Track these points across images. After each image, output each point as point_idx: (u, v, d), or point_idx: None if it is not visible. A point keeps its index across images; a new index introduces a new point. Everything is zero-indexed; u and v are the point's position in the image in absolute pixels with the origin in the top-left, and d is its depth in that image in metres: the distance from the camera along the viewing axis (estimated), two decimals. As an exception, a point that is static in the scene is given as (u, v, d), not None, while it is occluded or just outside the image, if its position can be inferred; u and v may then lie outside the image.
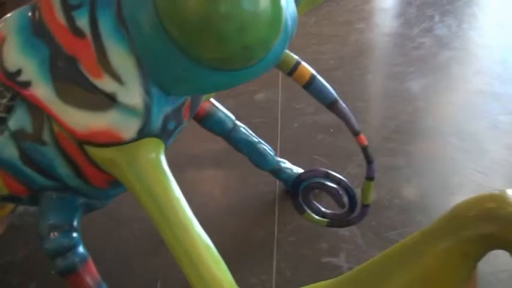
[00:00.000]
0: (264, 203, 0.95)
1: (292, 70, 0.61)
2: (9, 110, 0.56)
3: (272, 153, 0.90)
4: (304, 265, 0.80)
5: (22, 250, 0.88)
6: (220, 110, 0.83)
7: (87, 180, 0.58)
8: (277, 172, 0.92)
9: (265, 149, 0.89)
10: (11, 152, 0.58)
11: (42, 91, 0.53)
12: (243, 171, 1.03)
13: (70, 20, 0.52)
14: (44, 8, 0.55)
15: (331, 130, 1.16)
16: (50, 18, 0.54)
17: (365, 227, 0.84)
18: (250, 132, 0.88)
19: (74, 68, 0.51)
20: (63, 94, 0.52)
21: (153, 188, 0.52)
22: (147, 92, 0.51)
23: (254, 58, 0.47)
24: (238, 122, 0.87)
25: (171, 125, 0.56)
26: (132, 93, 0.51)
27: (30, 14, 0.56)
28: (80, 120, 0.52)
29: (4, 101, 0.56)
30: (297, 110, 1.26)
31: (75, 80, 0.51)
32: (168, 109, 0.55)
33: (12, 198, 0.64)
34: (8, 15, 0.59)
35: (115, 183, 0.60)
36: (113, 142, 0.53)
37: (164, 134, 0.55)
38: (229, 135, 0.85)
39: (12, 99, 0.56)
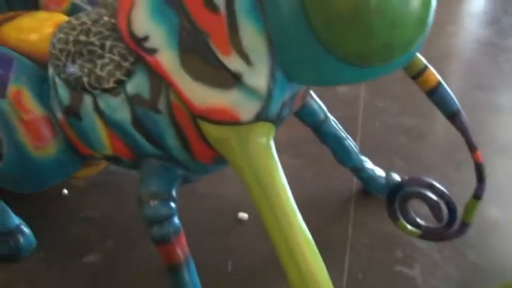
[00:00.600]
0: (339, 200, 0.94)
1: (418, 74, 0.58)
2: (129, 73, 0.57)
3: (357, 151, 0.88)
4: (376, 270, 0.78)
5: (102, 207, 0.91)
6: (315, 101, 0.82)
7: (193, 154, 0.59)
8: (359, 171, 0.90)
9: (351, 146, 0.87)
10: (124, 115, 0.59)
11: (167, 60, 0.53)
12: (320, 163, 1.01)
13: (206, -6, 0.52)
14: (179, -23, 0.55)
15: (414, 134, 1.13)
16: (184, -11, 0.53)
17: (443, 242, 0.81)
18: (339, 126, 0.86)
19: (203, 42, 0.51)
20: (187, 66, 0.52)
21: (261, 172, 0.52)
22: (272, 76, 0.51)
23: (393, 57, 0.46)
24: (329, 115, 0.85)
25: (285, 112, 0.56)
26: (258, 76, 0.50)
27: None
28: (200, 94, 0.52)
29: (126, 64, 0.57)
30: (380, 108, 1.23)
31: (203, 53, 0.51)
32: (286, 95, 0.54)
33: (114, 159, 0.65)
34: (138, -21, 0.60)
35: (219, 161, 0.60)
36: (229, 121, 0.53)
37: (277, 120, 0.55)
38: (319, 127, 0.83)
39: (134, 63, 0.57)
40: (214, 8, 0.51)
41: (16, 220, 0.79)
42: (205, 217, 0.89)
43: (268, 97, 0.51)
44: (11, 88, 0.63)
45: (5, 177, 0.67)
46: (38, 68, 0.66)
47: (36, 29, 0.70)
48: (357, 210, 0.90)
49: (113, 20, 0.60)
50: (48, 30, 0.69)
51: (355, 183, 0.96)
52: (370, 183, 0.90)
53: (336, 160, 0.88)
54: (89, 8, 0.81)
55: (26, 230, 0.80)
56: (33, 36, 0.69)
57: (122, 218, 0.89)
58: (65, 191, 0.94)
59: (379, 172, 0.92)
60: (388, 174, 0.91)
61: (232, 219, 0.88)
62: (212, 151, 0.58)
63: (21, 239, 0.78)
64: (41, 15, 0.74)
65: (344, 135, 0.86)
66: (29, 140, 0.64)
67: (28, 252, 0.80)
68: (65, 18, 0.73)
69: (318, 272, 0.50)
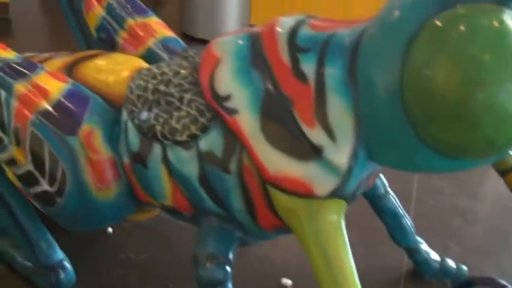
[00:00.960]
0: (389, 278, 0.89)
1: (507, 171, 0.55)
2: (204, 129, 0.57)
3: (413, 231, 0.84)
4: None
5: (145, 251, 0.90)
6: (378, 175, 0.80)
7: (256, 219, 0.57)
8: (413, 252, 0.85)
9: (408, 225, 0.83)
10: (192, 169, 0.58)
11: (247, 122, 0.52)
12: (372, 238, 0.97)
13: (294, 60, 0.51)
14: (267, 41, 0.55)
15: (469, 217, 1.08)
16: (272, 53, 0.53)
17: None
18: (398, 203, 0.83)
19: (286, 109, 0.50)
20: (267, 131, 0.51)
21: (329, 251, 0.50)
22: (355, 155, 0.49)
23: (493, 153, 0.43)
24: (389, 189, 0.82)
25: (359, 191, 0.54)
26: (341, 152, 0.49)
27: (250, 43, 0.56)
28: (276, 161, 0.51)
29: (203, 119, 0.57)
30: (435, 187, 1.19)
31: (285, 121, 0.50)
32: (364, 175, 0.52)
33: (173, 211, 0.64)
34: (224, 38, 0.60)
35: (281, 229, 0.58)
36: (302, 193, 0.51)
37: (351, 198, 0.53)
38: (378, 202, 0.80)
39: (210, 119, 0.56)
40: (302, 78, 0.50)
41: (60, 254, 0.78)
42: (247, 277, 0.86)
43: (347, 175, 0.49)
44: (84, 127, 0.64)
45: (61, 213, 0.66)
46: (112, 109, 0.67)
47: (114, 71, 0.71)
48: (406, 292, 0.86)
49: (195, 75, 0.60)
50: (125, 73, 0.71)
51: (405, 262, 0.92)
52: (424, 267, 0.86)
53: (390, 237, 0.85)
54: (164, 54, 0.83)
55: (68, 265, 0.79)
56: (110, 78, 0.70)
57: (163, 265, 0.87)
58: (110, 230, 0.93)
59: (434, 256, 0.87)
60: (443, 260, 0.87)
61: (275, 284, 0.84)
62: (276, 219, 0.56)
63: (62, 275, 0.77)
64: (118, 57, 0.76)
65: (402, 213, 0.83)
66: (93, 180, 0.64)
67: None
68: (142, 62, 0.75)
69: None
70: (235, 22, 1.87)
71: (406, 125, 0.44)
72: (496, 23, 0.39)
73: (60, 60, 0.77)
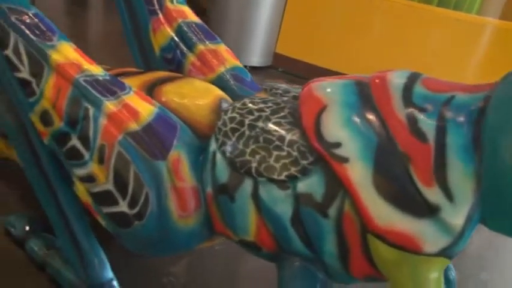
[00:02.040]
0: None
1: None
2: (305, 172, 0.57)
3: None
4: None
5: (195, 271, 0.89)
6: None
7: (347, 266, 0.57)
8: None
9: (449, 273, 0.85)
10: (285, 209, 0.58)
11: (358, 172, 0.53)
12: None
13: (411, 118, 0.53)
14: (379, 94, 0.56)
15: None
16: (386, 108, 0.55)
17: None
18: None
19: (402, 165, 0.51)
20: (379, 183, 0.52)
21: None
22: (470, 218, 0.50)
23: None
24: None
25: (459, 251, 0.55)
26: (458, 214, 0.50)
27: (358, 92, 0.58)
28: (386, 215, 0.52)
29: (304, 162, 0.57)
30: None
31: (400, 176, 0.51)
32: (468, 236, 0.53)
33: (252, 246, 0.64)
34: (327, 82, 0.61)
35: (370, 278, 0.58)
36: (408, 248, 0.52)
37: (452, 257, 0.54)
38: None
39: (312, 163, 0.57)
40: (420, 136, 0.52)
41: (110, 274, 0.77)
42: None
43: (460, 236, 0.51)
44: (173, 153, 0.63)
45: (134, 235, 0.65)
46: (196, 138, 0.67)
47: (196, 98, 0.72)
48: None
49: (295, 115, 0.61)
50: (207, 101, 0.71)
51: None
52: None
53: None
54: (232, 83, 0.83)
55: (116, 286, 0.77)
56: (193, 105, 0.70)
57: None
58: (149, 251, 0.92)
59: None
60: None
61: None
62: (370, 268, 0.56)
63: (109, 296, 0.76)
64: (196, 83, 0.76)
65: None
66: (175, 208, 0.63)
67: (111, 310, 0.77)
68: (220, 91, 0.75)
69: None
70: (262, 51, 1.89)
71: None
72: None
73: (136, 79, 0.76)
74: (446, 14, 2.13)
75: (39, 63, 0.65)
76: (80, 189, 0.67)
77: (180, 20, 0.89)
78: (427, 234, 0.51)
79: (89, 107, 0.64)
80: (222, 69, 0.85)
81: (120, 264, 0.86)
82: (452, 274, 0.72)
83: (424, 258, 0.52)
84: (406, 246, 0.52)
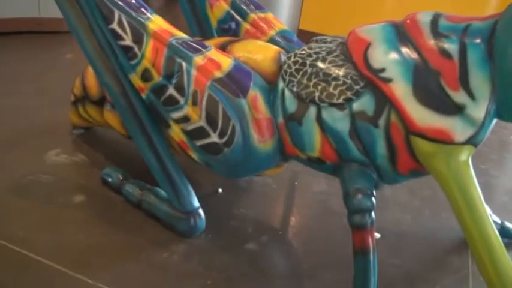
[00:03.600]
0: (456, 236, 1.07)
1: None
2: (358, 94, 0.75)
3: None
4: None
5: (259, 205, 1.06)
6: None
7: (395, 164, 0.75)
8: None
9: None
10: (344, 125, 0.76)
11: (401, 88, 0.70)
12: (437, 205, 1.15)
13: (439, 43, 0.70)
14: (412, 30, 0.73)
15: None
16: (419, 38, 0.71)
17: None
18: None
19: (434, 78, 0.69)
20: (418, 94, 0.69)
21: (464, 183, 0.68)
22: (488, 111, 0.67)
23: None
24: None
25: (483, 139, 0.72)
26: (479, 109, 0.67)
27: (394, 30, 0.75)
28: (425, 116, 0.69)
29: (357, 87, 0.75)
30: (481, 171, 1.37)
31: (433, 87, 0.68)
32: (490, 127, 0.70)
33: (317, 161, 0.81)
34: (369, 26, 0.79)
35: (413, 174, 0.75)
36: (444, 140, 0.69)
37: (478, 144, 0.71)
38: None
39: (363, 87, 0.74)
40: (447, 55, 0.69)
41: (197, 202, 0.94)
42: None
43: (481, 126, 0.68)
44: (251, 92, 0.81)
45: (224, 160, 0.83)
46: (264, 82, 0.85)
47: (260, 52, 0.89)
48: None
49: (346, 54, 0.78)
50: (269, 54, 0.88)
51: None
52: None
53: None
54: (283, 43, 1.01)
55: (202, 213, 0.95)
56: (259, 57, 0.88)
57: (273, 220, 1.05)
58: (220, 190, 1.10)
59: (494, 218, 1.05)
60: (502, 222, 1.05)
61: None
62: (413, 163, 0.73)
63: (198, 220, 0.93)
64: (259, 42, 0.94)
65: None
66: (256, 134, 0.81)
67: (200, 232, 0.95)
68: (278, 47, 0.92)
69: (508, 262, 0.64)
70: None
71: None
72: None
73: (210, 41, 0.94)
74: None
75: (139, 32, 0.83)
76: (176, 130, 0.85)
77: (233, -5, 1.07)
78: (456, 128, 0.68)
79: (182, 62, 0.82)
80: (272, 32, 1.02)
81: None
82: None
83: (455, 146, 0.69)
84: (441, 139, 0.69)
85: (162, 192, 0.96)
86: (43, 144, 1.19)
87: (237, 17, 1.05)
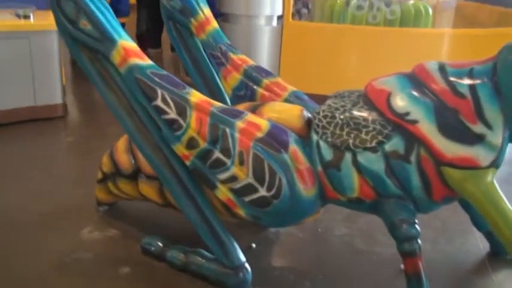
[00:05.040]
0: (474, 258, 1.17)
1: None
2: (388, 137, 0.86)
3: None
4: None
5: (292, 254, 1.13)
6: None
7: (430, 193, 0.85)
8: (491, 235, 1.14)
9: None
10: (379, 165, 0.86)
11: (427, 127, 0.82)
12: (450, 233, 1.26)
13: (451, 86, 0.83)
14: (424, 77, 0.86)
15: None
16: (432, 83, 0.85)
17: None
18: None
19: (454, 115, 0.81)
20: (442, 130, 0.81)
21: (494, 199, 0.80)
22: (504, 138, 0.80)
23: None
24: None
25: (502, 161, 0.84)
26: (496, 136, 0.80)
27: (408, 79, 0.88)
28: (452, 148, 0.81)
29: (386, 131, 0.86)
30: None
31: (455, 122, 0.81)
32: (506, 150, 0.83)
33: (357, 201, 0.91)
34: (384, 79, 0.92)
35: (446, 199, 0.86)
36: (471, 167, 0.80)
37: (499, 166, 0.83)
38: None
39: (392, 130, 0.86)
40: (460, 95, 0.82)
41: (243, 257, 1.01)
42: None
43: (500, 150, 0.80)
44: (291, 147, 0.91)
45: (273, 211, 0.91)
46: (296, 135, 0.95)
47: (287, 111, 1.00)
48: (493, 267, 1.13)
49: (368, 104, 0.90)
50: (296, 112, 0.99)
51: (482, 247, 1.20)
52: (499, 246, 1.14)
53: (473, 224, 1.14)
54: (297, 101, 1.13)
55: (248, 266, 1.01)
56: (287, 115, 0.99)
57: (309, 265, 1.12)
58: (253, 245, 1.17)
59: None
60: None
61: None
62: (446, 190, 0.84)
63: (246, 274, 0.99)
64: (282, 104, 1.05)
65: None
66: (301, 183, 0.90)
67: (248, 285, 1.00)
68: (299, 106, 1.04)
69: None
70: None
71: None
72: None
73: (239, 107, 1.05)
74: (408, 32, 2.52)
75: (182, 105, 0.92)
76: (222, 190, 0.93)
77: (244, 65, 1.19)
78: (480, 154, 0.80)
79: (225, 127, 0.91)
80: (285, 94, 1.14)
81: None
82: None
83: (481, 170, 0.81)
84: (469, 166, 0.80)
85: (206, 253, 1.02)
86: (74, 224, 1.23)
87: (250, 84, 1.17)
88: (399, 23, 2.58)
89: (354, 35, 2.48)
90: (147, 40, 2.93)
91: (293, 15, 2.49)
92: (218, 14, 2.28)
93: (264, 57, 2.34)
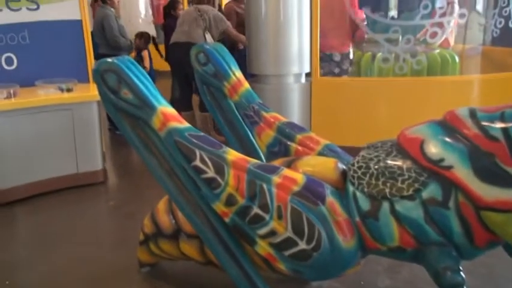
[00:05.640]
0: None
1: None
2: (424, 184, 0.86)
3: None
4: None
5: None
6: None
7: (472, 239, 0.84)
8: None
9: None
10: (418, 213, 0.86)
11: (462, 172, 0.83)
12: (495, 282, 1.22)
13: (484, 131, 0.84)
14: (456, 123, 0.87)
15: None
16: (465, 129, 0.86)
17: None
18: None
19: (490, 159, 0.81)
20: (479, 175, 0.82)
21: None
22: None
23: None
24: None
25: None
26: None
27: (439, 126, 0.89)
28: (490, 192, 0.81)
29: (422, 178, 0.87)
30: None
31: (491, 166, 0.81)
32: None
33: (397, 250, 0.90)
34: (416, 127, 0.93)
35: (490, 244, 0.85)
36: (511, 209, 0.80)
37: None
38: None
39: (428, 177, 0.87)
40: (494, 139, 0.82)
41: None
42: None
43: None
44: (328, 199, 0.92)
45: (314, 264, 0.91)
46: (333, 188, 0.97)
47: (322, 164, 1.02)
48: None
49: (401, 153, 0.91)
50: (331, 165, 1.02)
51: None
52: None
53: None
54: (330, 154, 1.15)
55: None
56: (322, 169, 1.01)
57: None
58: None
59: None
60: None
61: None
62: (490, 235, 0.83)
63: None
64: (317, 157, 1.08)
65: None
66: (340, 235, 0.90)
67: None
68: (334, 159, 1.06)
69: None
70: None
71: None
72: None
73: (275, 162, 1.07)
74: (435, 80, 2.54)
75: (220, 164, 0.95)
76: (262, 245, 0.94)
77: (277, 122, 1.23)
78: (520, 197, 0.79)
79: (262, 183, 0.94)
80: (319, 147, 1.17)
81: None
82: None
83: (522, 213, 0.80)
84: (509, 209, 0.80)
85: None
86: (118, 286, 1.25)
87: (284, 140, 1.21)
88: (426, 72, 2.61)
89: (382, 87, 2.51)
90: (180, 104, 3.05)
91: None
92: (249, 76, 2.38)
93: (295, 114, 2.39)
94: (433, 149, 0.87)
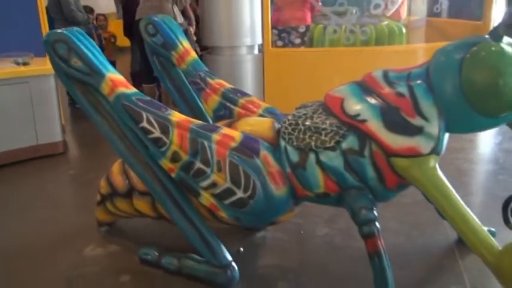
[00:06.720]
0: (442, 246, 1.29)
1: None
2: (344, 136, 0.99)
3: None
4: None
5: (277, 255, 1.25)
6: None
7: (383, 182, 0.98)
8: None
9: None
10: (339, 162, 0.99)
11: (375, 124, 0.96)
12: (421, 227, 1.38)
13: (393, 88, 0.97)
14: (371, 83, 1.00)
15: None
16: (378, 88, 0.98)
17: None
18: None
19: (397, 112, 0.94)
20: (388, 126, 0.95)
21: (438, 183, 0.92)
22: (440, 128, 0.93)
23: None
24: None
25: (442, 149, 0.97)
26: (433, 127, 0.93)
27: (357, 86, 1.02)
28: (397, 141, 0.94)
29: (342, 131, 1.00)
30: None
31: (397, 118, 0.94)
32: (445, 140, 0.96)
33: (323, 195, 1.03)
34: (339, 88, 1.05)
35: (400, 187, 0.99)
36: (415, 155, 0.93)
37: (440, 153, 0.95)
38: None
39: (347, 130, 0.99)
40: (400, 95, 0.95)
41: (230, 256, 1.12)
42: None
43: (438, 139, 0.93)
44: (262, 153, 1.04)
45: (250, 211, 1.03)
46: (267, 144, 1.08)
47: (259, 124, 1.14)
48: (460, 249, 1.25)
49: (326, 111, 1.03)
50: (267, 124, 1.13)
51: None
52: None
53: (438, 214, 1.25)
54: (269, 116, 1.26)
55: (235, 265, 1.12)
56: (259, 127, 1.12)
57: (293, 262, 1.23)
58: (241, 249, 1.28)
59: None
60: None
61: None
62: (398, 178, 0.97)
63: (233, 271, 1.10)
64: (255, 118, 1.19)
65: None
66: (273, 184, 1.02)
67: (236, 282, 1.11)
68: (270, 119, 1.17)
69: (488, 237, 0.88)
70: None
71: (466, 105, 0.89)
72: (497, 48, 0.87)
73: (218, 124, 1.18)
74: (383, 49, 2.69)
75: (165, 124, 1.05)
76: (205, 196, 1.06)
77: (222, 88, 1.33)
78: (421, 143, 0.93)
79: (203, 141, 1.04)
80: (259, 110, 1.28)
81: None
82: None
83: (424, 157, 0.93)
84: (413, 154, 0.93)
85: (196, 256, 1.13)
86: (77, 244, 1.34)
87: (228, 104, 1.31)
88: (374, 42, 2.76)
89: (331, 57, 2.64)
90: (141, 77, 3.10)
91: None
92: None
93: (249, 85, 2.50)
94: (351, 106, 0.99)
